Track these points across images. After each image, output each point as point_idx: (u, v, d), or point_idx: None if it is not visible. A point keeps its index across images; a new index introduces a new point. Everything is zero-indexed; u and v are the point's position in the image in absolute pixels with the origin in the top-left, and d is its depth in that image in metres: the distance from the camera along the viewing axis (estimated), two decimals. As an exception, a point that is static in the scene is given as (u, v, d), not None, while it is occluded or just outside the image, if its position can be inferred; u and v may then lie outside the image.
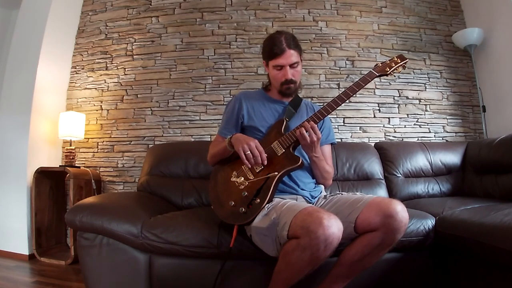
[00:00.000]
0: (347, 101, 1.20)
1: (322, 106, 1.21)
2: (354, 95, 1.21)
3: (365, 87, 1.21)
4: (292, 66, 1.25)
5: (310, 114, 1.30)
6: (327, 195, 1.25)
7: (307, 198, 1.22)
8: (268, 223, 1.01)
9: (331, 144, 1.42)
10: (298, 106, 1.34)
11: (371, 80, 1.20)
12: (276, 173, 1.11)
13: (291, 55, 1.24)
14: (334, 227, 0.88)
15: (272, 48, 1.25)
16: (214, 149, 1.29)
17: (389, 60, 1.23)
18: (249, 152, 1.09)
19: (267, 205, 1.08)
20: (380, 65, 1.22)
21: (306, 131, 1.12)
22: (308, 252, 0.88)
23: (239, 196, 1.13)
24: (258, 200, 1.08)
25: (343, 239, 1.06)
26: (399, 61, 1.21)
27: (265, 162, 1.11)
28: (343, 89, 2.37)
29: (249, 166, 1.12)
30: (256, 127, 1.30)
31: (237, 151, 1.11)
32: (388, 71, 1.20)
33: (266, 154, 1.11)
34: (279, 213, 1.00)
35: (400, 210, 0.97)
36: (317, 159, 1.22)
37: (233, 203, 1.12)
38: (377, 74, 1.20)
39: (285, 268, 0.95)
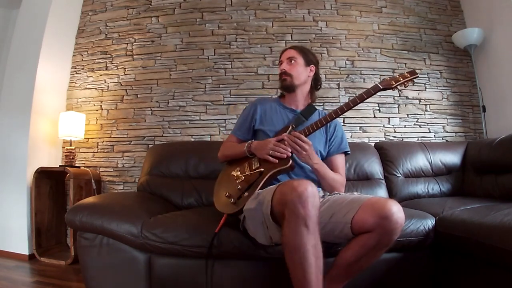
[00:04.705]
0: (347, 111, 1.22)
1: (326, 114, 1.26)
2: (355, 107, 1.22)
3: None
4: (288, 60, 1.38)
5: None
6: (325, 195, 1.25)
7: None
8: (255, 203, 1.07)
9: (344, 153, 1.41)
10: (310, 115, 1.38)
11: (375, 93, 1.20)
12: (267, 171, 1.19)
13: (290, 53, 1.41)
14: (302, 185, 0.90)
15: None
16: (230, 152, 1.38)
17: (398, 75, 1.22)
18: (275, 153, 1.18)
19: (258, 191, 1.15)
20: (388, 79, 1.22)
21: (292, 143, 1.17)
22: (293, 219, 0.89)
23: (234, 188, 1.23)
24: (246, 194, 1.17)
25: (340, 239, 1.06)
26: (408, 76, 1.20)
27: (289, 150, 1.18)
28: (343, 89, 2.40)
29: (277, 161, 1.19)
30: (265, 131, 1.36)
31: (265, 159, 1.20)
32: (393, 84, 1.19)
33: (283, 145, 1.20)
34: (265, 194, 1.05)
35: (396, 211, 0.94)
36: (318, 166, 1.23)
37: (227, 193, 1.23)
38: (381, 88, 1.20)
39: (296, 255, 0.89)
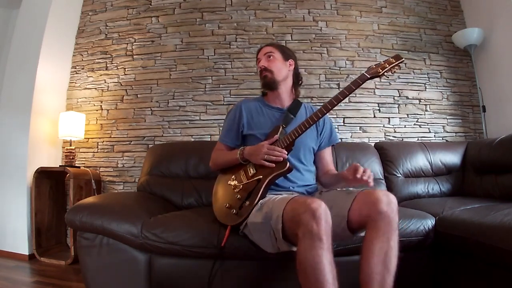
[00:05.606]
0: (337, 105, 1.18)
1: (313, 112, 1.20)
2: (344, 99, 1.18)
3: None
4: (266, 56, 1.35)
5: None
6: (323, 191, 1.26)
7: (303, 194, 1.25)
8: (262, 217, 1.04)
9: (332, 145, 1.42)
10: (298, 111, 1.34)
11: (362, 83, 1.15)
12: (265, 177, 1.15)
13: (266, 49, 1.38)
14: (316, 202, 0.91)
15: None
16: (222, 160, 1.33)
17: (383, 61, 1.17)
18: (271, 157, 1.14)
19: (260, 201, 1.12)
20: (374, 67, 1.18)
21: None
22: (308, 236, 0.87)
23: (233, 198, 1.19)
24: (248, 203, 1.13)
25: (340, 237, 1.04)
26: (394, 61, 1.15)
27: (285, 152, 1.15)
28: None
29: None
30: (255, 135, 1.32)
31: (261, 164, 1.16)
32: (380, 72, 1.15)
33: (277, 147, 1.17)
34: (271, 206, 1.03)
35: (383, 194, 1.00)
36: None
37: (227, 204, 1.19)
38: (369, 77, 1.15)
39: (311, 273, 0.86)
